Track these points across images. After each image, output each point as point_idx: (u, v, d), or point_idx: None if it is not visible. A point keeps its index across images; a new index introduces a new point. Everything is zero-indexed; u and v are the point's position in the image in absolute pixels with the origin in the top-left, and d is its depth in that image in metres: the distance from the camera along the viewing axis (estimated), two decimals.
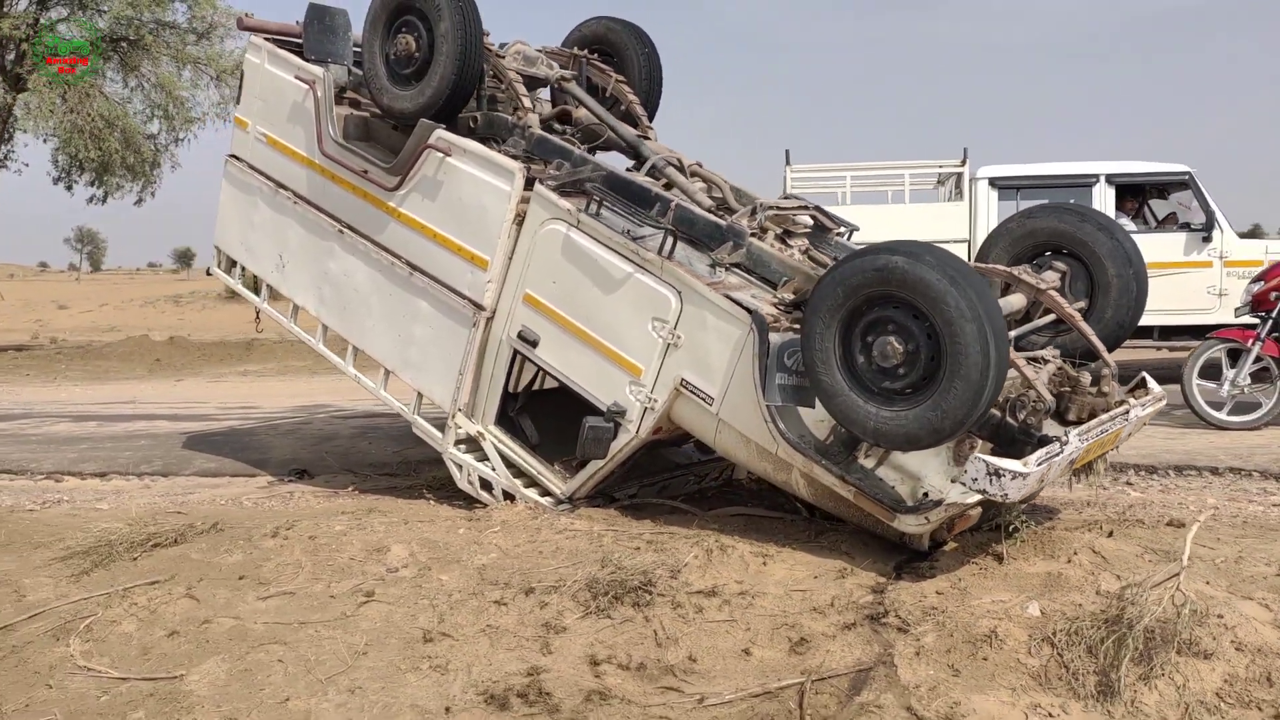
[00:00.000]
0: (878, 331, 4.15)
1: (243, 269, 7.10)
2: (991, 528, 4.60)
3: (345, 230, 6.24)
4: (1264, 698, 3.23)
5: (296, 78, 6.45)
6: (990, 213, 11.16)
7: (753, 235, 5.16)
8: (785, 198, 6.58)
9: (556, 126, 6.47)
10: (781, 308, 4.85)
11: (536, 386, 6.51)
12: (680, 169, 5.90)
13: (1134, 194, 11.42)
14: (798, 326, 4.78)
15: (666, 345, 4.94)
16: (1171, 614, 3.45)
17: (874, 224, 8.86)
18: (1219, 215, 10.87)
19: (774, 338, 4.60)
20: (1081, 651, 3.45)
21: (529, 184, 5.50)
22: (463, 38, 5.60)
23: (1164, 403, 5.08)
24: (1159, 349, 11.03)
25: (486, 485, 5.70)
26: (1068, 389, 4.68)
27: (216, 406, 11.83)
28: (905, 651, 3.58)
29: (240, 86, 6.95)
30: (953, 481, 4.35)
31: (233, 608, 4.23)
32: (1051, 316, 4.91)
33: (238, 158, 6.97)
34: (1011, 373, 4.25)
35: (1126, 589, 3.78)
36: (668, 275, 4.94)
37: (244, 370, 17.51)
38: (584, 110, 6.49)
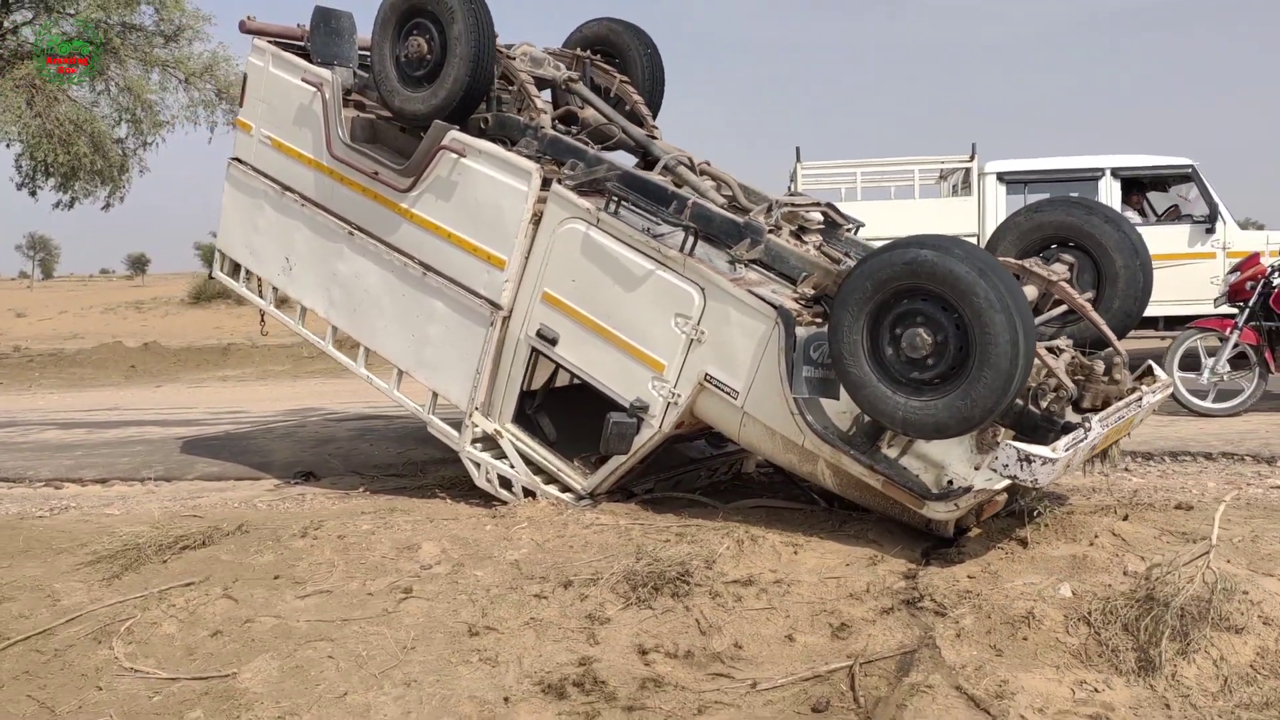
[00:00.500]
0: (906, 323, 4.26)
1: (247, 272, 7.09)
2: (1008, 514, 4.73)
3: (355, 232, 6.26)
4: None
5: (303, 80, 6.46)
6: (999, 207, 11.32)
7: (770, 232, 5.25)
8: (791, 194, 6.67)
9: (559, 127, 6.53)
10: (803, 303, 4.94)
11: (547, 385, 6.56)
12: (691, 167, 5.97)
13: (1139, 187, 11.67)
14: (819, 321, 4.89)
15: (690, 341, 5.02)
16: (1203, 592, 3.58)
17: (883, 220, 9.00)
18: (1221, 207, 11.14)
19: (799, 331, 4.69)
20: (1118, 629, 3.57)
21: (544, 184, 5.55)
22: (476, 39, 5.65)
23: (1171, 390, 5.23)
24: (1162, 339, 11.28)
25: (506, 483, 5.75)
26: (1081, 377, 4.81)
27: (204, 411, 11.75)
28: (946, 634, 3.69)
29: (243, 89, 6.94)
30: (976, 469, 4.47)
31: (272, 607, 4.25)
32: (1062, 308, 5.05)
33: (241, 161, 6.96)
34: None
35: (1153, 569, 3.91)
36: (690, 272, 5.02)
37: (223, 375, 17.39)
38: (590, 111, 6.55)
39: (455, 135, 5.77)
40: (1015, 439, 4.40)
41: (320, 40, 6.55)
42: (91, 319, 39.07)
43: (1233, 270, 9.02)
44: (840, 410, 4.79)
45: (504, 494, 5.73)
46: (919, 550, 4.51)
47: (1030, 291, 4.95)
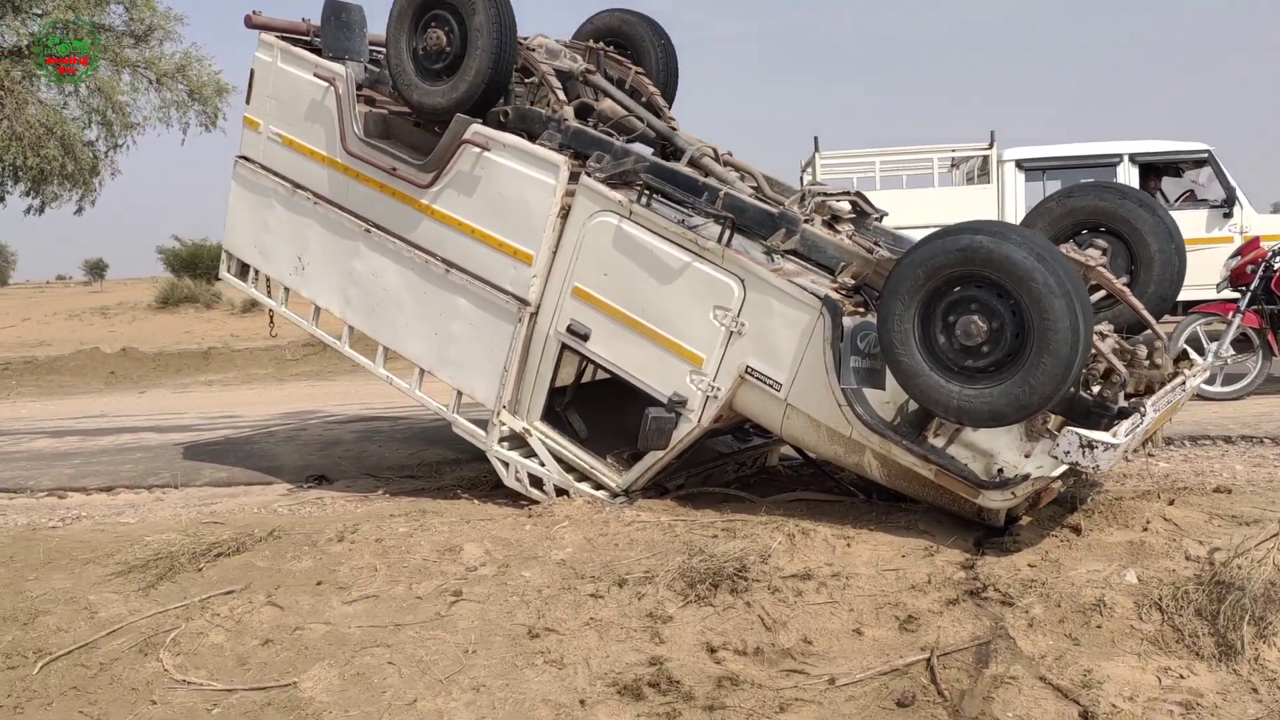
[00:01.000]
0: (960, 311, 4.22)
1: (255, 272, 6.94)
2: (1052, 501, 4.71)
3: (373, 229, 6.14)
4: None
5: (315, 75, 6.32)
6: (1018, 194, 11.26)
7: (804, 222, 5.19)
8: (813, 184, 6.62)
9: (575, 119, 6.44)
10: (843, 292, 4.89)
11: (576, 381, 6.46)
12: (715, 159, 5.91)
13: (1156, 173, 11.76)
14: (861, 311, 4.84)
15: (730, 333, 4.95)
16: (1274, 575, 3.57)
17: (902, 208, 8.96)
18: (1239, 192, 11.23)
19: (845, 321, 4.64)
20: (1191, 614, 3.55)
21: (572, 177, 5.47)
22: (499, 31, 5.54)
23: (1209, 373, 5.24)
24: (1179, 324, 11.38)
25: (536, 481, 5.66)
26: (1125, 362, 4.80)
27: (196, 416, 11.53)
28: (1018, 624, 3.65)
29: (250, 86, 6.76)
30: (1026, 456, 4.45)
31: (320, 613, 4.15)
32: (1100, 293, 5.03)
33: (248, 159, 6.81)
34: None
35: (1214, 552, 3.91)
36: (729, 264, 4.95)
37: (207, 380, 17.10)
38: (607, 103, 6.46)
39: (478, 129, 5.66)
40: (1063, 425, 4.39)
41: (331, 34, 6.41)
42: (57, 325, 38.32)
43: (1233, 255, 9.10)
44: (884, 400, 4.75)
45: (534, 493, 5.64)
46: (971, 540, 4.48)
47: None
